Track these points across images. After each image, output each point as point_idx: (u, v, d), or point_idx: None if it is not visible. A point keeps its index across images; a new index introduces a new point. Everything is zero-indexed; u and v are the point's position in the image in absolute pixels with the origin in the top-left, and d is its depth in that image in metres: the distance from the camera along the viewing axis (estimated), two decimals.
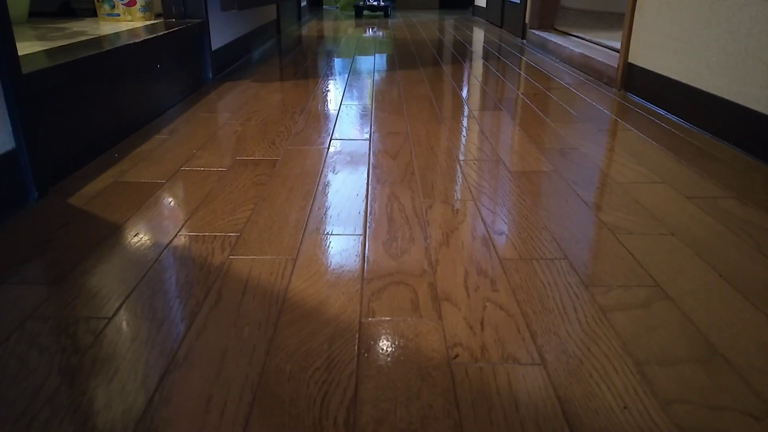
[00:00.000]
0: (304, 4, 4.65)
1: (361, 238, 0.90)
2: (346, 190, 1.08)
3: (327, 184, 1.11)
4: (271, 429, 0.53)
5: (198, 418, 0.54)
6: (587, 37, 2.66)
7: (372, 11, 4.84)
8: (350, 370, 0.60)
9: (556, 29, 3.04)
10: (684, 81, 1.59)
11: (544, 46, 2.84)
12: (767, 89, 1.26)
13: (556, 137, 1.42)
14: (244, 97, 1.82)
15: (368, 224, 0.95)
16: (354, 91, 1.94)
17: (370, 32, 3.70)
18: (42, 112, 1.06)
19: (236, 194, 1.06)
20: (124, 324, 0.68)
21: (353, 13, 4.89)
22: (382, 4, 4.75)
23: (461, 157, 1.27)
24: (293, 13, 4.01)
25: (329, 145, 1.35)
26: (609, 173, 1.18)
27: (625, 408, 0.55)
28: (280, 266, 0.81)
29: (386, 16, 4.75)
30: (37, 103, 1.04)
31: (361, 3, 4.73)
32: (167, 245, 0.87)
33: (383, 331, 0.67)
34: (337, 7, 5.55)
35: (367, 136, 1.43)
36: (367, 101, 1.80)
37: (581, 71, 2.32)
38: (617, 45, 2.09)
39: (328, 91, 1.94)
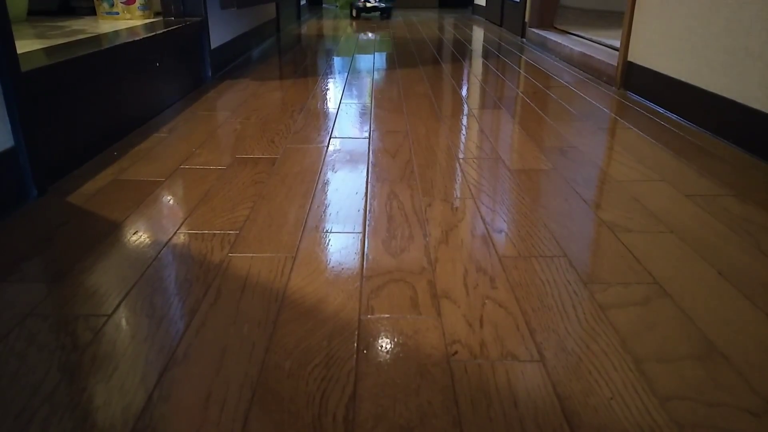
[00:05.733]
0: (303, 2, 4.64)
1: (361, 235, 0.90)
2: (345, 188, 1.08)
3: (326, 182, 1.11)
4: (271, 425, 0.53)
5: (197, 415, 0.54)
6: (587, 36, 2.66)
7: (368, 12, 4.50)
8: (349, 367, 0.61)
9: (555, 28, 3.04)
10: (683, 79, 1.59)
11: (543, 45, 2.84)
12: (766, 87, 1.26)
13: (555, 136, 1.42)
14: (243, 96, 1.82)
15: (367, 222, 0.95)
16: (353, 89, 1.94)
17: (369, 31, 3.70)
18: (41, 110, 1.06)
19: (235, 192, 1.06)
20: (124, 321, 0.68)
21: (350, 12, 4.61)
22: (382, 5, 4.49)
23: (461, 156, 1.27)
24: (292, 11, 4.00)
25: (329, 143, 1.35)
26: (608, 171, 1.18)
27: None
28: (279, 264, 0.81)
29: (384, 17, 4.41)
30: (36, 102, 1.04)
31: (360, 4, 4.49)
32: (166, 243, 0.87)
33: (382, 329, 0.67)
34: (337, 6, 5.55)
35: (367, 134, 1.43)
36: (367, 100, 1.80)
37: (581, 70, 2.32)
38: (617, 43, 2.09)
39: (327, 89, 1.94)
